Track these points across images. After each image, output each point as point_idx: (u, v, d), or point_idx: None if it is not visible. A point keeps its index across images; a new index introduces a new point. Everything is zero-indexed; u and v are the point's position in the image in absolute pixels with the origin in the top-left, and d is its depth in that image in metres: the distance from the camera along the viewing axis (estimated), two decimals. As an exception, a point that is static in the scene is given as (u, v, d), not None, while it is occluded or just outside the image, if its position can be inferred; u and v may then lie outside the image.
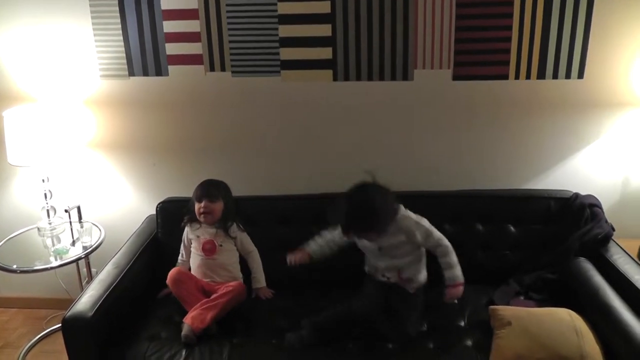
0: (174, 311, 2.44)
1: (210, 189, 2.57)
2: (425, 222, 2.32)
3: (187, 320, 2.30)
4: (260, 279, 2.61)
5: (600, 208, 2.59)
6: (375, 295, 2.38)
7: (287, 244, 2.56)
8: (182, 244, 2.64)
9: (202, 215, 2.54)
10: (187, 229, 2.62)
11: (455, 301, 2.36)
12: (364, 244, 2.38)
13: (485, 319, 2.30)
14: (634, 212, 2.69)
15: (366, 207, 2.20)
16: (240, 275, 2.60)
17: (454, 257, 2.29)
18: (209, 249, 2.54)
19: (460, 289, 2.28)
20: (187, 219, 2.62)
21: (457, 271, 2.28)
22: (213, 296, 2.41)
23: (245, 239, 2.63)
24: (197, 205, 2.55)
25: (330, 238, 2.46)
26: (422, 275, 2.41)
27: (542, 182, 2.79)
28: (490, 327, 2.24)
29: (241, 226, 2.62)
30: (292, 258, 2.43)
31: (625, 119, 2.68)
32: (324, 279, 2.61)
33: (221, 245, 2.55)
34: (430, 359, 2.15)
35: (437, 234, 2.31)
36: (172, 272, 2.46)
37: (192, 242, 2.60)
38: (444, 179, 2.59)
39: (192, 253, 2.60)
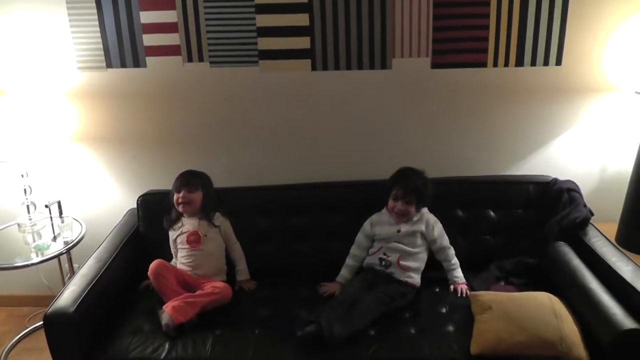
0: (156, 303, 2.42)
1: (189, 179, 2.56)
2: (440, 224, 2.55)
3: (168, 309, 2.28)
4: (244, 271, 2.61)
5: (579, 192, 2.63)
6: (359, 281, 2.45)
7: (268, 234, 2.62)
8: (171, 247, 2.63)
9: (180, 206, 2.53)
10: (170, 233, 2.61)
11: (465, 295, 2.42)
12: (384, 230, 2.51)
13: (466, 305, 2.33)
14: (611, 196, 2.72)
15: (422, 180, 2.52)
16: (226, 267, 2.60)
17: (457, 261, 2.52)
18: (193, 240, 2.53)
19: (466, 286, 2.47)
20: (167, 223, 2.61)
21: (461, 272, 2.51)
22: (198, 292, 2.40)
23: (228, 228, 2.62)
24: (175, 196, 2.55)
25: (358, 253, 2.57)
26: (417, 276, 2.47)
27: (521, 168, 2.82)
28: (471, 313, 2.26)
29: (225, 215, 2.62)
30: (325, 290, 2.50)
31: (602, 104, 2.71)
32: (303, 269, 2.65)
33: (205, 235, 2.55)
34: (412, 344, 2.17)
35: (447, 238, 2.53)
36: (152, 265, 2.44)
37: (178, 239, 2.58)
38: (425, 166, 2.60)
39: (179, 249, 2.59)
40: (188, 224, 2.57)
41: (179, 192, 2.54)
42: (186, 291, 2.42)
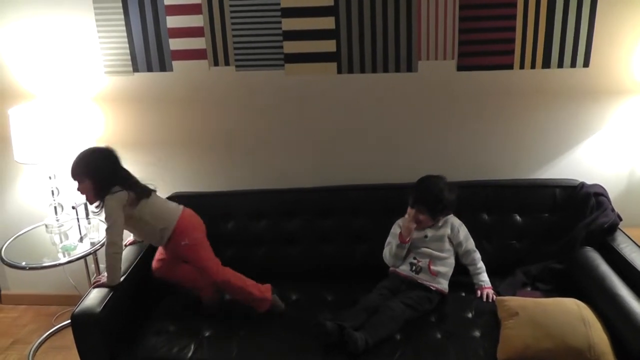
0: (182, 305, 2.46)
1: (72, 169, 2.35)
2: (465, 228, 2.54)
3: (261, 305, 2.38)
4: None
5: (607, 197, 2.59)
6: (382, 287, 2.44)
7: (293, 236, 2.64)
8: None
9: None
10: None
11: (491, 300, 2.40)
12: (412, 236, 2.48)
13: (492, 310, 2.31)
14: (640, 200, 2.69)
15: (438, 189, 2.46)
16: (166, 222, 2.42)
17: (483, 265, 2.50)
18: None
19: (492, 291, 2.45)
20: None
21: (487, 276, 2.49)
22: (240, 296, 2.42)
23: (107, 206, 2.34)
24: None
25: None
26: (445, 282, 2.46)
27: (548, 172, 2.79)
28: (497, 318, 2.24)
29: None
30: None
31: (631, 106, 2.67)
32: (327, 272, 2.68)
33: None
34: (438, 349, 2.16)
35: (472, 241, 2.52)
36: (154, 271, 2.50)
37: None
38: (450, 170, 2.59)
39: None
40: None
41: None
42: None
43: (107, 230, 2.33)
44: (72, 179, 2.37)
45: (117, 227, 2.33)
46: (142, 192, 2.40)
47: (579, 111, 2.69)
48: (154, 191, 2.48)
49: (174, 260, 2.46)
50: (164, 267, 2.48)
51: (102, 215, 2.38)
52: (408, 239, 2.45)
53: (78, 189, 2.38)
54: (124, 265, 2.42)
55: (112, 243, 2.32)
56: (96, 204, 2.37)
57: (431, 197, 2.44)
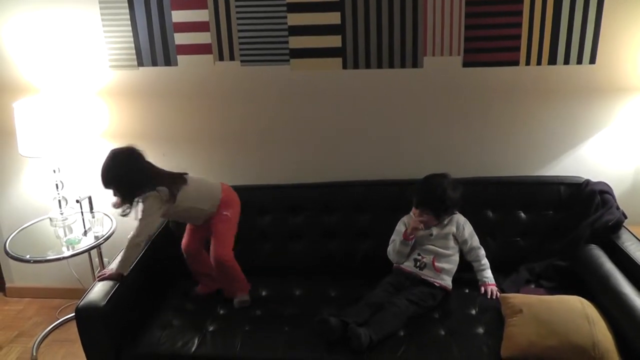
0: (186, 300, 2.47)
1: (101, 180, 2.33)
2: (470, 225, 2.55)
3: (237, 295, 2.45)
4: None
5: (612, 195, 2.58)
6: (386, 284, 2.44)
7: (298, 231, 2.64)
8: None
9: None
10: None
11: (494, 297, 2.41)
12: (418, 234, 2.48)
13: (496, 307, 2.31)
14: (646, 198, 2.69)
15: (441, 190, 2.45)
16: (213, 199, 2.48)
17: (487, 262, 2.50)
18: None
19: (496, 288, 2.46)
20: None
21: (491, 273, 2.50)
22: (223, 281, 2.48)
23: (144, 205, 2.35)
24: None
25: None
26: (449, 279, 2.46)
27: (553, 169, 2.78)
28: (501, 315, 2.25)
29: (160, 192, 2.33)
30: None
31: (637, 104, 2.66)
32: (330, 268, 2.68)
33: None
34: (441, 346, 2.16)
35: (477, 238, 2.52)
36: (184, 251, 2.56)
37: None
38: (454, 167, 2.59)
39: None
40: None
41: None
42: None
43: (140, 221, 2.33)
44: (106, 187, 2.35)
45: (150, 225, 2.37)
46: (175, 186, 2.37)
47: (585, 108, 2.68)
48: (186, 174, 2.47)
49: (201, 237, 2.52)
50: (194, 245, 2.54)
51: (114, 212, 2.38)
52: (412, 237, 2.45)
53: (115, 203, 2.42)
54: None
55: (140, 235, 2.34)
56: (123, 207, 2.33)
57: (435, 199, 2.44)
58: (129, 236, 2.34)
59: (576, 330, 2.04)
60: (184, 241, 2.57)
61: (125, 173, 2.31)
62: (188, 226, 2.57)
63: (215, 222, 2.47)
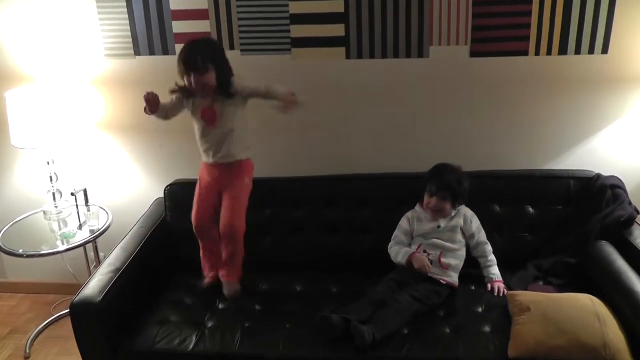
0: (184, 295, 2.46)
1: (196, 59, 2.27)
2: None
3: (224, 279, 2.45)
4: (278, 90, 2.37)
5: (624, 189, 2.56)
6: (389, 280, 2.42)
7: (299, 226, 2.64)
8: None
9: (194, 90, 2.34)
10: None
11: (502, 295, 2.39)
12: (423, 226, 2.49)
13: (503, 305, 2.29)
14: (659, 193, 2.67)
15: (460, 175, 2.50)
16: (250, 145, 2.49)
17: (494, 258, 2.50)
18: (209, 118, 2.38)
19: (503, 285, 2.44)
20: (178, 95, 2.42)
21: (498, 270, 2.49)
22: (224, 254, 2.46)
23: (246, 87, 2.38)
24: (186, 79, 2.31)
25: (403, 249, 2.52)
26: (455, 275, 2.45)
27: (563, 162, 2.77)
28: (508, 313, 2.23)
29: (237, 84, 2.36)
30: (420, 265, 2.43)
31: (652, 96, 2.64)
32: (333, 263, 2.67)
33: (221, 112, 2.38)
34: (447, 344, 2.14)
35: (484, 233, 2.52)
36: (195, 223, 2.51)
37: (193, 117, 2.45)
38: (461, 159, 2.57)
39: (196, 129, 2.47)
40: (202, 100, 2.38)
41: (187, 75, 2.29)
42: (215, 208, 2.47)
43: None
44: (191, 69, 2.27)
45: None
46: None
47: (597, 100, 2.66)
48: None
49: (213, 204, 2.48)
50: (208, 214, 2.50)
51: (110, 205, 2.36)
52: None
53: (197, 82, 2.28)
54: (126, 253, 2.44)
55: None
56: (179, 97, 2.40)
57: (455, 183, 2.46)
58: None
59: (586, 329, 2.02)
60: (195, 213, 2.50)
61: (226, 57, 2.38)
62: (197, 195, 2.51)
63: (235, 187, 2.45)
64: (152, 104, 2.34)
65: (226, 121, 2.39)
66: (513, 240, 2.61)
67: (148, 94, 2.32)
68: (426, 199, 2.50)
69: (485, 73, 2.67)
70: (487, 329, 2.21)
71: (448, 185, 2.46)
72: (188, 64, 2.28)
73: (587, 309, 2.10)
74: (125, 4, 2.70)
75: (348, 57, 2.70)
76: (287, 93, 2.34)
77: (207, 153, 2.47)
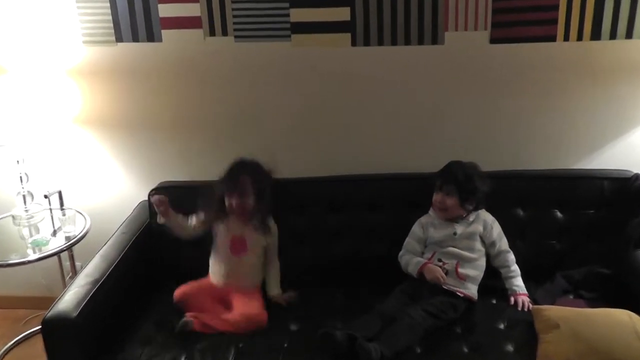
0: (170, 311, 2.43)
1: (243, 182, 2.46)
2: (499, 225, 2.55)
3: (196, 322, 2.33)
4: (276, 286, 2.57)
5: (666, 191, 2.56)
6: (400, 292, 2.43)
7: (300, 232, 2.67)
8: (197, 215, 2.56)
9: (233, 212, 2.49)
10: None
11: (526, 309, 2.38)
12: (438, 233, 2.50)
13: (528, 321, 2.28)
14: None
15: (469, 169, 2.51)
16: (260, 279, 2.57)
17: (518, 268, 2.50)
18: (238, 248, 2.50)
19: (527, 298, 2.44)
20: (211, 214, 2.52)
21: (522, 281, 2.48)
22: (231, 317, 2.38)
23: (275, 238, 2.57)
24: (226, 199, 2.48)
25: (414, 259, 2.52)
26: (474, 287, 2.45)
27: (595, 160, 2.79)
28: (534, 330, 2.22)
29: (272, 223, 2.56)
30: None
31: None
32: (338, 273, 2.67)
33: (252, 245, 2.51)
34: (465, 365, 2.15)
35: (506, 240, 2.52)
36: (184, 288, 2.46)
37: (217, 232, 2.54)
38: (480, 157, 2.58)
39: (215, 245, 2.55)
40: (235, 225, 2.52)
41: (230, 195, 2.47)
42: (218, 303, 2.44)
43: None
44: (234, 189, 2.46)
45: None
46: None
47: (634, 90, 2.67)
48: None
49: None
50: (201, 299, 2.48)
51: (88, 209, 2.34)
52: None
53: (237, 203, 2.45)
54: (106, 262, 2.42)
55: None
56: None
57: (462, 175, 2.46)
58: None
59: (623, 348, 2.01)
60: (183, 289, 2.47)
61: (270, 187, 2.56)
62: (198, 283, 2.51)
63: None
64: (162, 210, 2.44)
65: (251, 254, 2.51)
66: (538, 248, 2.63)
67: (155, 197, 2.46)
68: (434, 195, 2.52)
69: (506, 61, 2.68)
70: (510, 347, 2.21)
71: (454, 178, 2.47)
72: (233, 184, 2.46)
73: (624, 326, 2.09)
74: (105, -16, 2.71)
75: (354, 43, 2.70)
76: (279, 295, 2.52)
77: (218, 275, 2.53)
